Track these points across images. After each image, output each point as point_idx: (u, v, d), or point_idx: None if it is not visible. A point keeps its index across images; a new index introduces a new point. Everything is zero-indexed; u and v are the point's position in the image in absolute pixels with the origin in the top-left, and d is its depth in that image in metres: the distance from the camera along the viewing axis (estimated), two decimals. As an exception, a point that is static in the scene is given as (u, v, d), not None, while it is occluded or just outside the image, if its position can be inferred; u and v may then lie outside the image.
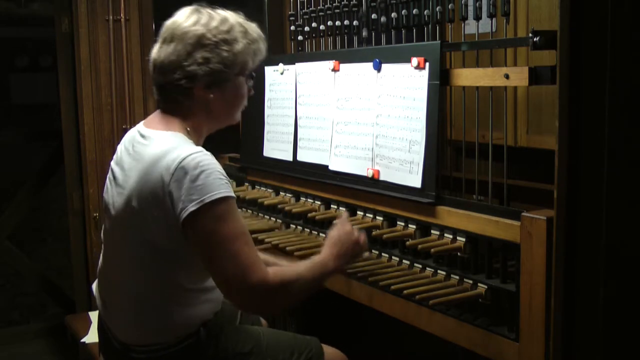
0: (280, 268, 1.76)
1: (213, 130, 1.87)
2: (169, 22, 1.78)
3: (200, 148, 1.70)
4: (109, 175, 1.83)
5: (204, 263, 1.66)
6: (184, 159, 1.62)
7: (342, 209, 2.30)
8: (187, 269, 1.73)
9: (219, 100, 1.77)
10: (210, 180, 1.61)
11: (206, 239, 1.62)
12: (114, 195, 1.77)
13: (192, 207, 1.60)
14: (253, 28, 1.82)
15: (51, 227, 4.91)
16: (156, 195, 1.64)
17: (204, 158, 1.65)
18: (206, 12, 1.77)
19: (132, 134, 1.82)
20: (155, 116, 1.82)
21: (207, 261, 1.65)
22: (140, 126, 1.82)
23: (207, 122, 1.81)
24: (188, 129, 1.77)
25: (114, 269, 1.82)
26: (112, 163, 1.84)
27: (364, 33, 2.30)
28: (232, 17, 1.79)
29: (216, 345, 1.82)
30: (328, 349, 2.07)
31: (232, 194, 1.65)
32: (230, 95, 1.79)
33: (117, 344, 1.81)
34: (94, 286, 1.93)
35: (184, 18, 1.76)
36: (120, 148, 1.84)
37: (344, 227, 1.92)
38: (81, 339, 2.91)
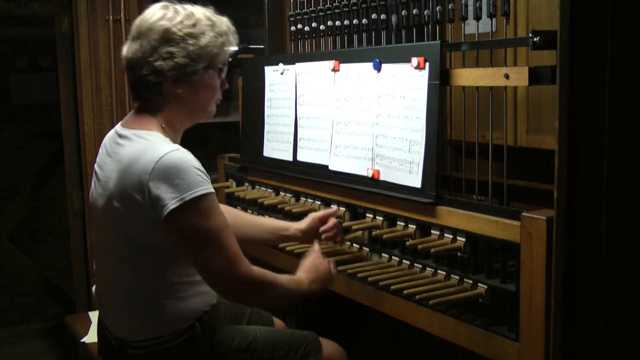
0: (264, 270, 1.80)
1: (189, 125, 1.89)
2: (137, 19, 1.81)
3: (176, 146, 1.72)
4: (93, 176, 1.86)
5: (190, 257, 1.70)
6: (160, 158, 1.65)
7: (341, 208, 2.31)
8: (174, 264, 1.76)
9: (189, 94, 1.79)
10: (189, 177, 1.64)
11: (191, 234, 1.65)
12: (97, 196, 1.80)
13: (172, 205, 1.62)
14: (222, 21, 1.84)
15: (51, 227, 4.92)
16: (135, 196, 1.66)
17: (180, 156, 1.67)
18: (173, 7, 1.79)
19: (110, 135, 1.85)
20: (131, 115, 1.84)
21: (194, 255, 1.69)
22: (118, 126, 1.84)
23: (180, 116, 1.82)
24: (163, 125, 1.78)
25: (105, 267, 1.85)
26: (95, 165, 1.86)
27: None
28: (199, 12, 1.80)
29: (212, 341, 1.83)
30: (326, 343, 2.09)
31: (212, 190, 1.69)
32: (200, 89, 1.81)
33: (113, 341, 1.83)
34: (94, 288, 1.96)
35: (150, 15, 1.78)
36: (101, 149, 1.86)
37: (318, 257, 1.99)
38: (81, 339, 2.91)
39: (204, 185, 1.66)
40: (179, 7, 1.79)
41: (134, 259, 1.73)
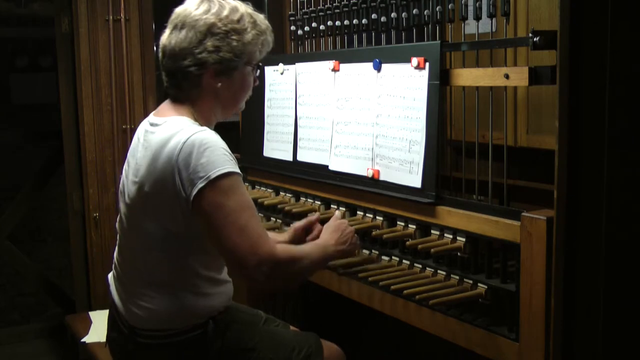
0: (287, 245, 1.82)
1: (220, 119, 1.90)
2: (179, 9, 1.81)
3: (204, 127, 1.73)
4: (124, 166, 1.88)
5: (212, 237, 1.68)
6: (188, 137, 1.66)
7: (341, 208, 2.30)
8: (201, 256, 1.77)
9: (226, 88, 1.81)
10: (215, 156, 1.65)
11: (213, 212, 1.65)
12: (128, 184, 1.81)
13: (200, 184, 1.64)
14: (262, 19, 1.86)
15: (51, 227, 4.92)
16: (166, 178, 1.67)
17: (207, 135, 1.69)
18: (217, 1, 1.80)
19: (143, 124, 1.87)
20: (164, 105, 1.86)
21: (216, 234, 1.66)
22: (151, 116, 1.86)
23: (214, 109, 1.85)
24: (195, 115, 1.80)
25: (127, 254, 1.85)
26: (128, 155, 1.88)
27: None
28: (242, 7, 1.82)
29: (222, 340, 1.84)
30: (326, 344, 2.10)
31: (238, 170, 1.70)
32: (237, 84, 1.83)
33: (125, 329, 1.83)
34: (110, 276, 1.95)
35: (195, 6, 1.79)
36: (134, 139, 1.88)
37: (340, 220, 2.00)
38: (81, 339, 2.91)
39: (229, 164, 1.67)
40: (222, 1, 1.81)
41: (158, 246, 1.74)
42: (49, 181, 4.26)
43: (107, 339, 1.96)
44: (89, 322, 3.08)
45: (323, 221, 2.05)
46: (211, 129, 1.82)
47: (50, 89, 4.58)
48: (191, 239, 1.74)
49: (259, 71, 1.89)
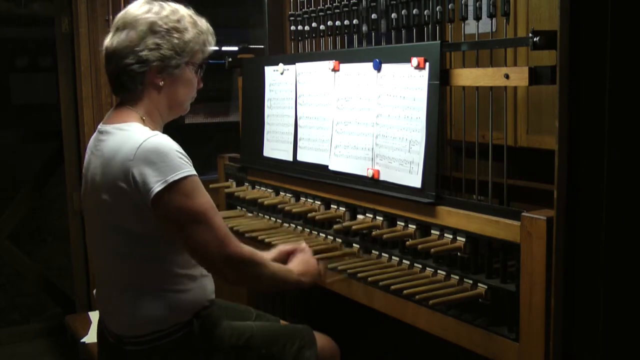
0: (252, 249, 1.85)
1: (167, 120, 1.93)
2: (121, 13, 1.87)
3: (156, 132, 1.76)
4: (82, 184, 1.90)
5: (181, 239, 1.73)
6: (141, 144, 1.69)
7: (341, 208, 2.31)
8: (173, 256, 1.79)
9: (168, 87, 1.85)
10: (170, 160, 1.68)
11: (178, 216, 1.69)
12: (87, 195, 1.85)
13: (157, 188, 1.66)
14: (202, 21, 1.92)
15: (51, 227, 4.92)
16: (121, 184, 1.70)
17: (160, 140, 1.72)
18: (158, 3, 1.85)
19: (93, 135, 1.89)
20: (111, 112, 1.89)
21: (184, 238, 1.73)
22: (99, 125, 1.88)
23: (159, 108, 1.87)
24: (143, 117, 1.83)
25: (102, 264, 1.87)
26: (83, 170, 1.90)
27: (364, 28, 2.31)
28: (183, 9, 1.88)
29: (210, 338, 1.85)
30: (320, 337, 2.11)
31: (194, 172, 1.73)
32: (179, 83, 1.87)
33: (112, 339, 1.84)
34: (94, 291, 1.99)
35: (136, 7, 1.85)
36: (86, 152, 1.90)
37: (306, 253, 2.08)
38: (81, 339, 2.91)
39: (186, 167, 1.70)
40: (163, 3, 1.86)
41: (128, 251, 1.76)
42: (49, 181, 4.26)
43: (98, 351, 1.97)
44: (89, 322, 3.08)
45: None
46: (160, 131, 1.84)
47: (50, 89, 4.58)
48: (161, 239, 1.76)
49: (201, 72, 1.93)
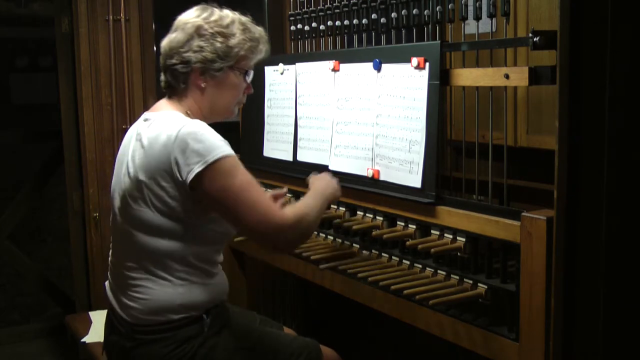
0: (292, 205, 1.90)
1: (211, 120, 1.95)
2: (180, 16, 1.93)
3: (196, 119, 1.81)
4: (116, 167, 1.95)
5: (227, 219, 1.79)
6: (181, 128, 1.74)
7: (341, 208, 2.30)
8: (196, 247, 1.81)
9: (211, 89, 1.90)
10: (209, 142, 1.73)
11: (221, 195, 1.73)
12: (121, 181, 1.87)
13: (197, 168, 1.71)
14: (256, 28, 1.96)
15: (51, 227, 4.92)
16: (162, 167, 1.74)
17: (198, 123, 1.78)
18: (211, 9, 1.91)
19: (137, 121, 1.95)
20: (158, 102, 1.96)
21: (229, 216, 1.77)
22: (145, 113, 1.95)
23: (203, 109, 1.92)
24: (188, 111, 1.89)
25: (126, 249, 1.87)
26: (119, 154, 1.96)
27: (364, 21, 2.31)
28: (235, 16, 1.92)
29: (219, 337, 1.86)
30: (326, 351, 2.11)
31: (233, 152, 1.77)
32: (223, 87, 1.91)
33: (122, 328, 1.86)
34: (106, 283, 1.99)
35: (190, 12, 1.92)
36: (125, 138, 1.96)
37: (316, 175, 2.14)
38: (81, 339, 2.91)
39: (224, 147, 1.75)
40: (217, 9, 1.92)
41: (152, 237, 1.79)
42: (49, 181, 4.25)
43: (104, 344, 1.97)
44: (89, 322, 3.08)
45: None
46: None
47: (50, 89, 4.57)
48: (188, 228, 1.78)
49: (249, 78, 1.96)
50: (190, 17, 1.89)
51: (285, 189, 2.17)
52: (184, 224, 1.78)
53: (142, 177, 1.78)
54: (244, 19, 1.93)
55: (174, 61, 1.86)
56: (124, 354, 1.86)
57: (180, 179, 1.72)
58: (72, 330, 3.13)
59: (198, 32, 1.85)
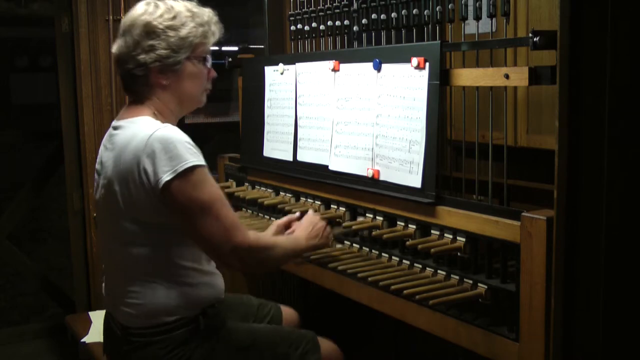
0: (260, 233, 1.89)
1: (182, 114, 1.95)
2: (124, 17, 1.90)
3: (166, 124, 1.78)
4: (95, 175, 1.93)
5: (188, 229, 1.75)
6: (151, 134, 1.72)
7: (341, 208, 2.30)
8: (182, 247, 1.81)
9: (174, 84, 1.86)
10: (179, 150, 1.70)
11: (186, 205, 1.71)
12: (99, 187, 1.87)
13: (166, 177, 1.69)
14: (203, 12, 1.90)
15: (51, 227, 4.91)
16: (132, 174, 1.72)
17: (170, 130, 1.75)
18: (154, 3, 1.86)
19: (107, 131, 1.92)
20: (124, 109, 1.93)
21: (191, 227, 1.74)
22: (113, 121, 1.91)
23: (169, 105, 1.89)
24: (155, 112, 1.86)
25: (112, 256, 1.88)
26: (96, 165, 1.93)
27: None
28: (180, 4, 1.88)
29: (216, 338, 1.86)
30: (324, 342, 2.11)
31: (203, 163, 1.74)
32: (185, 78, 1.87)
33: (118, 331, 1.85)
34: (103, 285, 1.99)
35: (134, 11, 1.87)
36: (100, 148, 1.93)
37: (313, 216, 2.10)
38: (81, 339, 2.91)
39: (195, 157, 1.72)
40: (159, 2, 1.86)
41: (138, 241, 1.78)
42: (49, 181, 4.26)
43: (103, 347, 1.98)
44: (89, 322, 3.08)
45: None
46: (173, 124, 1.85)
47: (50, 89, 4.57)
48: (171, 230, 1.78)
49: (209, 63, 1.92)
50: (136, 15, 1.84)
51: (297, 214, 2.14)
52: (165, 227, 1.77)
53: (116, 187, 1.76)
54: (189, 5, 1.89)
55: (130, 66, 1.82)
56: (122, 357, 1.85)
57: (151, 186, 1.70)
58: (72, 330, 3.13)
59: (146, 30, 1.80)
